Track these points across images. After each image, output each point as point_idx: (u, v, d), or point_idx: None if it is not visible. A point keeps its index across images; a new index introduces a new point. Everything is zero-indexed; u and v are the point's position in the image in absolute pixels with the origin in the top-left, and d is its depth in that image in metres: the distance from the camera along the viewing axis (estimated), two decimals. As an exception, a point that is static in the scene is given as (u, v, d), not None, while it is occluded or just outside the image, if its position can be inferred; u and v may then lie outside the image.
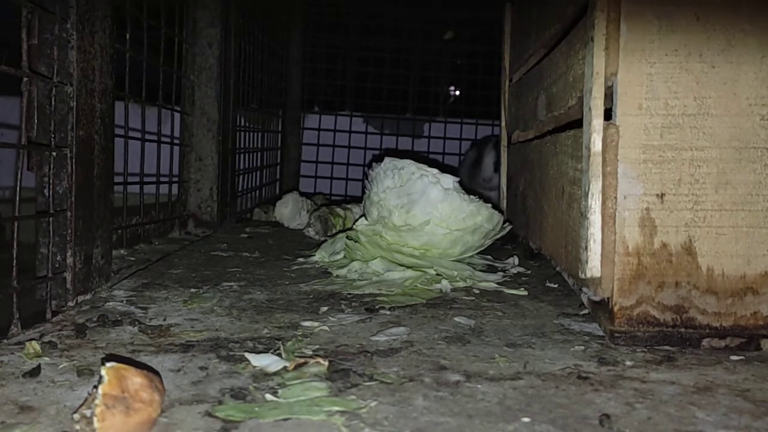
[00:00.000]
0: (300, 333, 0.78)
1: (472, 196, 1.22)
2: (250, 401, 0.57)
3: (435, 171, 1.22)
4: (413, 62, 2.68)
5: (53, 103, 0.82)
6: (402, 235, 1.19)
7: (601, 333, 0.81)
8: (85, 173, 0.87)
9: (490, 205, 1.24)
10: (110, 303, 0.88)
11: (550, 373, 0.67)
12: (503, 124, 1.68)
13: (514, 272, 1.20)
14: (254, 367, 0.65)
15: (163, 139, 1.38)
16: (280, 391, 0.59)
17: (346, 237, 1.24)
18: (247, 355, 0.68)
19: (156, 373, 0.59)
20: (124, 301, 0.89)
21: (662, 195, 0.75)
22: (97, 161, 0.90)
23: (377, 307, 0.91)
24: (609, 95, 0.77)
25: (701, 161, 0.75)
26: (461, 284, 1.07)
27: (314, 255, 1.27)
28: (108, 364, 0.51)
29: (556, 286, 1.09)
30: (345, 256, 1.22)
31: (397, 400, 0.58)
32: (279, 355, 0.69)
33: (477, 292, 1.04)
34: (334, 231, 1.53)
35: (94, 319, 0.80)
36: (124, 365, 0.51)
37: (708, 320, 0.75)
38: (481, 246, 1.26)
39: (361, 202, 1.49)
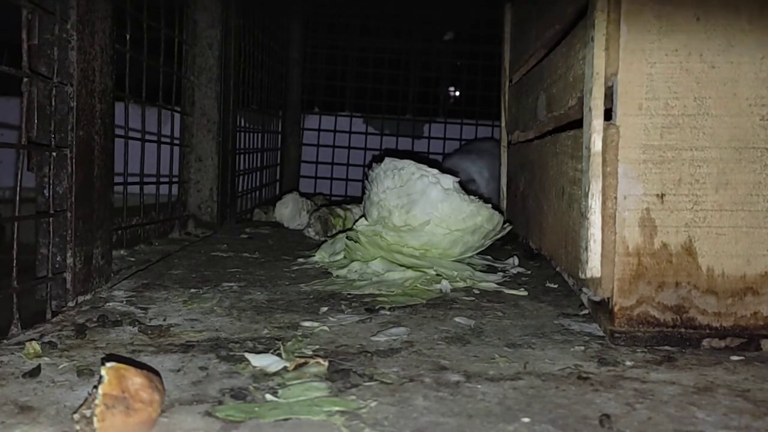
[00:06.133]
0: (300, 333, 0.78)
1: (472, 197, 1.22)
2: (250, 401, 0.57)
3: (435, 171, 1.22)
4: (413, 63, 2.68)
5: (53, 103, 0.82)
6: (402, 236, 1.20)
7: (601, 333, 0.81)
8: (85, 173, 0.87)
9: (490, 205, 1.24)
10: (110, 303, 0.88)
11: (550, 374, 0.67)
12: (503, 124, 1.68)
13: (514, 272, 1.20)
14: (254, 367, 0.65)
15: (163, 139, 1.38)
16: (280, 391, 0.59)
17: (346, 237, 1.24)
18: (247, 355, 0.68)
19: (156, 373, 0.59)
20: (124, 302, 0.89)
21: (662, 195, 0.75)
22: (97, 161, 0.90)
23: (377, 307, 0.91)
24: (609, 95, 0.77)
25: (701, 161, 0.75)
26: (461, 284, 1.07)
27: (314, 255, 1.27)
28: (108, 364, 0.51)
29: (556, 286, 1.09)
30: (345, 257, 1.22)
31: (397, 401, 0.58)
32: (279, 355, 0.69)
33: (477, 292, 1.04)
34: (334, 231, 1.53)
35: (94, 319, 0.80)
36: (124, 365, 0.51)
37: (708, 320, 0.75)
38: (481, 246, 1.26)
39: (361, 203, 1.49)
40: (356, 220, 1.34)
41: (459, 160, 2.00)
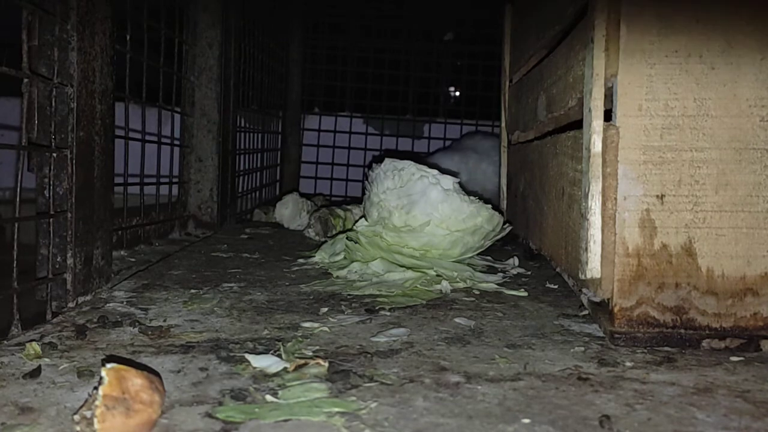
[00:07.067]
0: (300, 334, 0.78)
1: (472, 197, 1.22)
2: (250, 402, 0.57)
3: (435, 172, 1.22)
4: (413, 63, 2.68)
5: (54, 104, 0.82)
6: (402, 236, 1.20)
7: (601, 334, 0.81)
8: (85, 174, 0.87)
9: (490, 206, 1.24)
10: (110, 304, 0.88)
11: (550, 374, 0.67)
12: (503, 124, 1.68)
13: (514, 273, 1.20)
14: (254, 368, 0.65)
15: (164, 140, 1.38)
16: (280, 392, 0.59)
17: (346, 238, 1.24)
18: (248, 356, 0.68)
19: (156, 374, 0.59)
20: (125, 302, 0.89)
21: (662, 196, 0.75)
22: (97, 162, 0.90)
23: (377, 308, 0.91)
24: (609, 96, 0.77)
25: (701, 162, 0.75)
26: (461, 285, 1.07)
27: (314, 256, 1.27)
28: (108, 365, 0.51)
29: (556, 286, 1.09)
30: (345, 257, 1.22)
31: (398, 401, 0.58)
32: (279, 356, 0.69)
33: (477, 293, 1.04)
34: (334, 232, 1.53)
35: (95, 320, 0.80)
36: (125, 366, 0.51)
37: (708, 321, 0.75)
38: (481, 247, 1.26)
39: (361, 203, 1.49)
40: (356, 221, 1.34)
41: (435, 162, 1.90)
